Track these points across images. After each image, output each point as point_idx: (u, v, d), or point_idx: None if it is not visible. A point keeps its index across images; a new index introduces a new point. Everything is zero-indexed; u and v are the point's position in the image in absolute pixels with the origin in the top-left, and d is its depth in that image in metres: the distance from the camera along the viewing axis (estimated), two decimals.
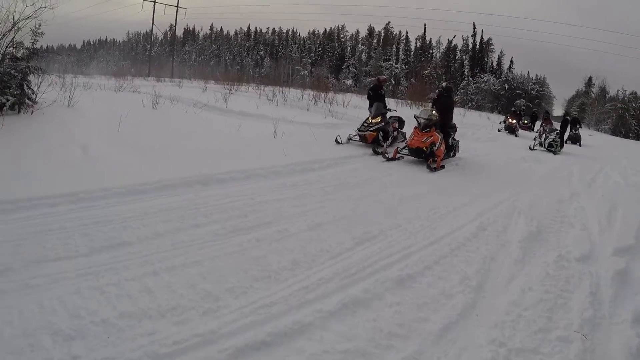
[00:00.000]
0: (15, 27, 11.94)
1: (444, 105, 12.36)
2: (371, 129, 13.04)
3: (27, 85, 11.77)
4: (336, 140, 12.93)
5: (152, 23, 63.41)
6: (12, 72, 11.39)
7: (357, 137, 13.25)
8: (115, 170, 7.66)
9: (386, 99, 14.80)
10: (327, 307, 4.27)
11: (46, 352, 3.25)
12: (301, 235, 6.00)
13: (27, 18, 11.99)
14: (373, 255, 5.59)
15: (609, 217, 8.09)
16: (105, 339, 3.46)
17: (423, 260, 5.60)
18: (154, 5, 60.98)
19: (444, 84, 14.02)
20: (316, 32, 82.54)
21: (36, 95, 12.02)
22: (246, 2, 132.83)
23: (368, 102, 14.13)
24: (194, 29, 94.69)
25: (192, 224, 5.90)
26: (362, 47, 79.09)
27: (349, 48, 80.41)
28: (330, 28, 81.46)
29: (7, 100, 11.12)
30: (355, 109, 21.86)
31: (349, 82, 65.20)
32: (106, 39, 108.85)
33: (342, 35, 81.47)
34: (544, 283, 5.26)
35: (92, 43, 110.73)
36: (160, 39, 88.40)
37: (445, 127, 12.25)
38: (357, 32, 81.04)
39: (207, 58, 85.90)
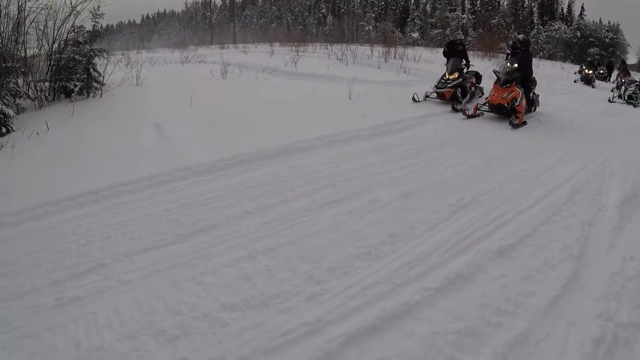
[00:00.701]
0: (74, 12, 12.10)
1: (523, 59, 11.69)
2: (449, 85, 12.47)
3: (93, 68, 11.96)
4: (413, 98, 12.44)
5: None
6: (77, 57, 11.63)
7: (435, 95, 12.72)
8: (192, 148, 7.65)
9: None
10: (432, 284, 4.11)
11: (152, 357, 3.20)
12: (394, 205, 5.81)
13: (85, 1, 12.10)
14: (470, 225, 5.37)
15: None
16: (210, 336, 3.40)
17: (521, 228, 5.36)
18: None
19: (520, 37, 13.18)
20: None
21: (103, 77, 12.23)
22: None
23: (444, 58, 13.55)
24: None
25: (280, 200, 5.79)
26: None
27: (413, 0, 78.23)
28: None
29: (75, 86, 11.35)
30: (427, 63, 21.04)
31: (415, 35, 63.58)
32: (164, 11, 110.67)
33: None
34: None
35: (151, 17, 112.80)
36: (219, 5, 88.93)
37: (526, 81, 11.65)
38: None
39: (269, 20, 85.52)
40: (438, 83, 12.74)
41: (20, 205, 5.71)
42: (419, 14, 73.15)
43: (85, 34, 12.42)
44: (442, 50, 14.77)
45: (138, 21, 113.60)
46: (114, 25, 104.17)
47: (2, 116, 9.56)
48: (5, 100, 10.14)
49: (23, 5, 11.92)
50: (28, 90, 11.52)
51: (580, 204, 6.25)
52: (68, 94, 11.56)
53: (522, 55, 11.79)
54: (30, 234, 5.17)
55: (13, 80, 11.29)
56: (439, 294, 4.03)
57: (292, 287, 3.99)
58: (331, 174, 6.74)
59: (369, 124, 9.29)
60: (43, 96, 11.46)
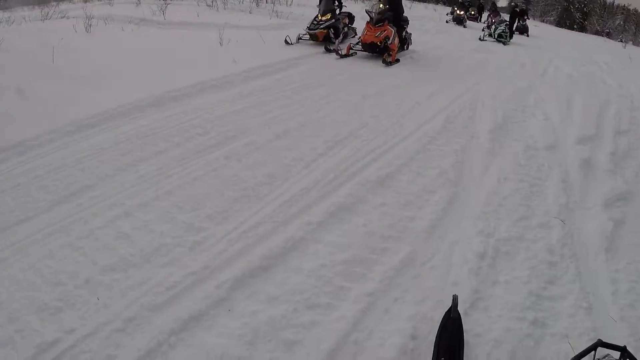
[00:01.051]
0: None
1: None
2: (321, 26, 12.40)
3: None
4: (285, 41, 12.26)
5: None
6: None
7: (307, 36, 12.63)
8: (58, 108, 7.02)
9: None
10: (314, 218, 4.15)
11: (38, 335, 2.92)
12: (270, 146, 5.75)
13: None
14: (348, 158, 5.47)
15: (568, 107, 8.26)
16: (94, 302, 3.18)
17: (398, 158, 5.58)
18: None
19: None
20: None
21: None
22: None
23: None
24: None
25: (153, 152, 5.49)
26: None
27: None
28: None
29: None
30: (299, 7, 20.87)
31: None
32: None
33: None
34: (518, 172, 5.47)
35: None
36: None
37: (398, 20, 11.83)
38: None
39: None
40: (310, 25, 12.60)
41: None
42: None
43: None
44: None
45: None
46: None
47: None
48: None
49: None
50: None
51: (454, 132, 6.59)
52: None
53: None
54: None
55: None
56: (323, 227, 4.07)
57: (172, 238, 3.84)
58: (205, 121, 6.49)
59: (241, 69, 9.02)
60: None
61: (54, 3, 31.06)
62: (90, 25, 13.69)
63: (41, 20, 17.49)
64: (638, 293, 3.57)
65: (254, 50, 11.04)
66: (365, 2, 25.97)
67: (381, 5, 11.55)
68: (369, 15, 11.64)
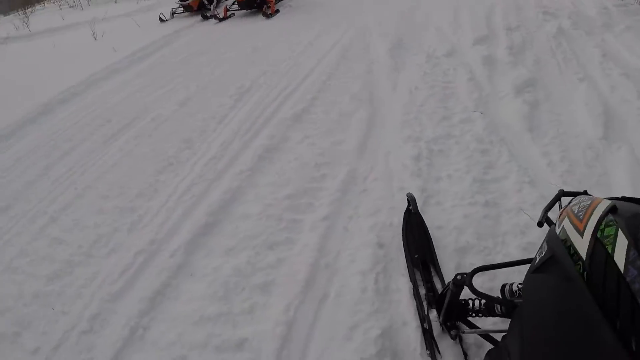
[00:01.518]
0: None
1: None
2: None
3: None
4: (160, 18, 11.68)
5: None
6: None
7: (182, 10, 12.01)
8: None
9: None
10: (245, 166, 4.05)
11: None
12: (177, 115, 5.54)
13: None
14: (258, 105, 5.38)
15: (456, 18, 8.20)
16: (51, 313, 2.93)
17: (307, 93, 5.55)
18: None
19: None
20: None
21: None
22: None
23: None
24: None
25: (60, 155, 5.11)
26: None
27: None
28: None
29: None
30: None
31: None
32: None
33: None
34: (426, 80, 5.48)
35: None
36: None
37: None
38: None
39: None
40: None
41: None
42: None
43: None
44: None
45: None
46: None
47: None
48: None
49: None
50: None
51: (353, 61, 6.58)
52: None
53: None
54: None
55: None
56: (256, 172, 3.97)
57: (108, 226, 3.60)
58: (103, 112, 6.14)
59: (123, 55, 8.56)
60: None
61: None
62: None
63: None
64: (571, 160, 3.68)
65: (131, 35, 10.43)
66: None
67: None
68: None
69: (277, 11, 11.00)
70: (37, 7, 25.02)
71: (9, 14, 27.38)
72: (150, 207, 3.75)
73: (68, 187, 4.42)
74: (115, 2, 17.60)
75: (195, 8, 11.83)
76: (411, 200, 2.93)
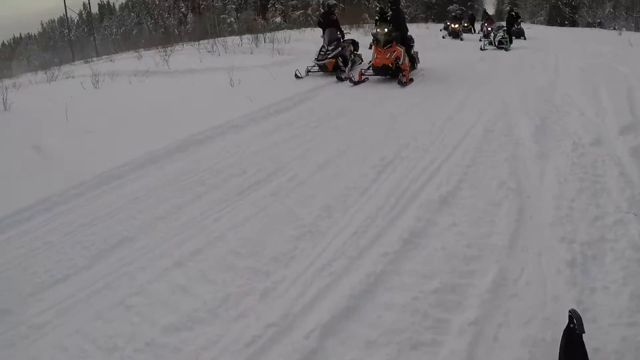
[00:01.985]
0: None
1: (397, 18, 11.58)
2: (329, 56, 12.05)
3: None
4: (296, 75, 11.91)
5: (65, 7, 59.05)
6: None
7: (317, 68, 12.31)
8: (79, 163, 6.71)
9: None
10: (389, 248, 3.70)
11: None
12: (316, 177, 5.33)
13: None
14: (402, 181, 5.07)
15: (596, 98, 7.86)
16: None
17: (452, 174, 5.20)
18: None
19: None
20: None
21: None
22: None
23: (321, 30, 13.02)
24: (108, 2, 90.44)
25: (192, 197, 5.06)
26: None
27: None
28: None
29: None
30: (298, 42, 20.61)
31: (278, 20, 62.97)
32: (20, 35, 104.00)
33: None
34: (574, 171, 5.07)
35: (7, 43, 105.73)
36: (76, 20, 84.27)
37: (404, 39, 11.52)
38: None
39: (129, 28, 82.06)
40: (318, 55, 12.26)
41: None
42: None
43: None
44: (309, 29, 14.37)
45: None
46: None
47: None
48: None
49: None
50: None
51: (497, 141, 6.20)
52: None
53: (395, 14, 11.66)
54: None
55: None
56: (401, 257, 3.62)
57: (238, 287, 3.36)
58: (237, 161, 6.10)
59: (260, 106, 8.66)
60: None
61: (55, 68, 31.39)
62: (98, 81, 13.50)
63: (47, 82, 17.41)
64: None
65: (267, 87, 10.73)
66: (360, 30, 25.85)
67: (386, 29, 11.26)
68: (375, 38, 11.34)
69: (411, 80, 11.02)
70: (177, 47, 26.52)
71: (149, 49, 29.22)
72: (286, 276, 3.49)
73: (198, 233, 4.31)
74: (252, 53, 18.22)
75: (330, 69, 12.08)
76: (577, 319, 2.47)
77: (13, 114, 10.75)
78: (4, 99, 11.61)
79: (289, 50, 17.77)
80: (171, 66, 16.07)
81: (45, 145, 7.83)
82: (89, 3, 64.87)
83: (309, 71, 12.27)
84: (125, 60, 21.97)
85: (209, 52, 19.79)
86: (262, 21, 52.98)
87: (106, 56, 38.42)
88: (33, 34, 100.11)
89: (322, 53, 12.20)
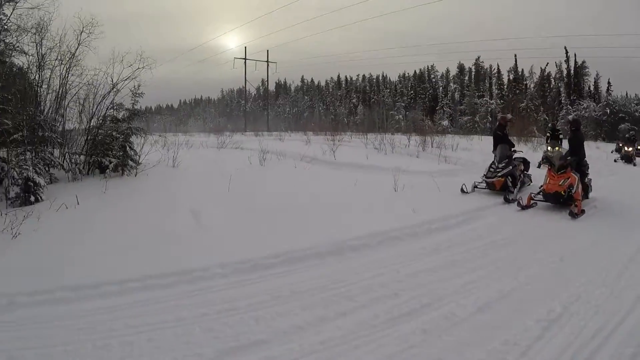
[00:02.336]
0: (115, 89, 12.18)
1: (575, 141, 10.85)
2: (499, 174, 11.50)
3: (130, 147, 11.87)
4: (462, 189, 11.51)
5: (245, 80, 64.40)
6: (114, 133, 11.57)
7: (484, 185, 11.80)
8: (232, 240, 6.85)
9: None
10: None
11: None
12: (473, 321, 4.75)
13: (126, 79, 12.22)
14: (569, 345, 4.32)
15: None
16: None
17: (627, 346, 4.29)
18: (245, 62, 62.08)
19: (570, 117, 12.43)
20: (406, 74, 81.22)
21: (139, 156, 12.07)
22: (335, 51, 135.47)
23: (494, 144, 12.54)
24: (285, 82, 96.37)
25: (337, 312, 4.77)
26: (454, 86, 76.20)
27: (441, 88, 77.61)
28: (420, 69, 79.73)
29: (110, 163, 11.28)
30: (465, 151, 20.43)
31: (445, 122, 63.09)
32: (201, 97, 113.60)
33: (432, 76, 79.27)
34: None
35: (188, 102, 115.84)
36: (253, 94, 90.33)
37: (580, 165, 10.68)
38: (448, 71, 78.40)
39: (301, 110, 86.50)
40: (487, 172, 11.75)
41: (36, 286, 5.13)
42: (447, 101, 72.59)
43: (124, 112, 12.31)
44: (476, 137, 13.77)
45: (176, 105, 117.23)
46: (152, 107, 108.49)
47: (32, 184, 9.34)
48: (37, 169, 9.97)
49: (65, 79, 12.17)
50: (63, 162, 11.45)
51: None
52: (103, 169, 11.38)
53: (574, 136, 11.00)
54: (41, 321, 4.51)
55: (49, 150, 11.29)
56: None
57: None
58: (391, 280, 5.73)
59: (422, 219, 8.34)
60: (77, 169, 11.31)
61: (228, 133, 33.42)
62: (265, 160, 13.92)
63: (217, 148, 18.33)
64: None
65: (431, 198, 10.43)
66: (528, 144, 24.77)
67: (557, 147, 10.54)
68: (549, 160, 10.54)
69: (583, 211, 9.93)
70: (345, 137, 27.15)
71: (317, 134, 30.21)
72: None
73: (336, 357, 3.96)
74: (417, 157, 18.06)
75: (498, 188, 11.55)
76: None
77: (180, 172, 11.31)
78: (175, 156, 12.30)
79: (456, 159, 17.42)
80: (337, 157, 16.32)
81: (202, 211, 8.12)
82: (267, 81, 69.41)
83: (476, 187, 11.81)
84: (294, 142, 22.83)
85: (375, 148, 20.01)
86: (429, 122, 53.42)
87: (276, 133, 40.49)
88: (213, 99, 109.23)
89: (491, 170, 11.68)
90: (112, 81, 12.18)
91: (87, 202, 8.70)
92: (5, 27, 12.33)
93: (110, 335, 4.26)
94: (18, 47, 12.66)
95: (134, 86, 12.30)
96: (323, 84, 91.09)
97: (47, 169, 11.06)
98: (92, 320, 4.56)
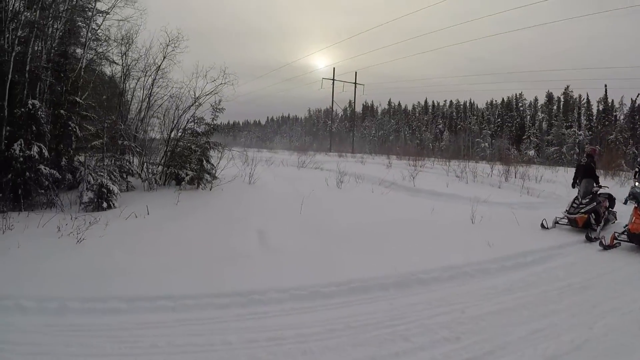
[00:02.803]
0: (197, 103, 12.53)
1: None
2: (582, 210, 10.65)
3: (207, 160, 12.10)
4: (542, 224, 10.77)
5: (332, 101, 64.72)
6: (193, 147, 11.87)
7: (565, 220, 10.94)
8: (295, 264, 6.69)
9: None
10: None
11: None
12: None
13: (208, 94, 12.57)
14: None
15: None
16: None
17: None
18: (333, 83, 62.37)
19: None
20: (494, 102, 78.82)
21: (216, 171, 12.26)
22: (423, 75, 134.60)
23: (574, 177, 11.74)
24: (372, 105, 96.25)
25: (390, 352, 4.44)
26: (542, 115, 72.94)
27: (529, 117, 74.73)
28: (508, 97, 77.15)
29: (187, 175, 11.55)
30: (549, 183, 19.21)
31: (531, 152, 60.85)
32: (288, 115, 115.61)
33: (520, 104, 76.73)
34: None
35: (275, 119, 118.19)
36: (340, 115, 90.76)
37: None
38: (536, 100, 75.17)
39: (386, 133, 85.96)
40: (570, 207, 10.93)
41: (91, 292, 5.31)
42: (534, 131, 69.83)
43: (204, 126, 12.62)
44: (561, 168, 12.86)
45: (263, 122, 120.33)
46: (240, 122, 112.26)
47: (105, 190, 9.72)
48: (112, 176, 10.51)
49: (150, 90, 12.93)
50: (141, 171, 12.01)
51: None
52: (179, 181, 11.67)
53: None
54: (88, 329, 4.62)
55: (127, 158, 11.94)
56: None
57: None
58: (454, 321, 5.30)
59: (496, 255, 7.83)
60: (154, 179, 11.70)
61: (311, 153, 33.60)
62: (342, 182, 13.72)
63: (297, 167, 18.30)
64: None
65: (508, 231, 9.84)
66: (615, 178, 23.29)
67: None
68: (636, 197, 9.74)
69: None
70: (427, 163, 26.57)
71: (401, 158, 29.79)
72: None
73: None
74: (499, 187, 17.34)
75: (581, 225, 10.66)
76: None
77: (255, 189, 11.31)
78: (251, 173, 12.34)
79: (539, 192, 16.55)
80: (416, 183, 15.89)
81: (270, 232, 8.01)
82: (354, 103, 69.35)
83: (557, 222, 11.00)
84: (375, 166, 22.51)
85: (457, 176, 19.40)
86: (514, 152, 51.70)
87: (360, 155, 40.29)
88: (300, 117, 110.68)
89: (574, 206, 10.88)
90: (195, 95, 12.64)
91: (158, 213, 8.89)
92: (97, 36, 12.99)
93: (152, 351, 4.21)
94: (109, 57, 13.36)
95: (215, 101, 12.67)
96: (410, 107, 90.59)
97: (124, 176, 11.62)
98: (139, 334, 4.56)
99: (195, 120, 12.56)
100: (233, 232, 8.04)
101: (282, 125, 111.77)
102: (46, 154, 10.15)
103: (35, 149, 9.89)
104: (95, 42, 13.30)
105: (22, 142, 9.88)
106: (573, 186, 11.66)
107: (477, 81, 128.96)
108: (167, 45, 12.84)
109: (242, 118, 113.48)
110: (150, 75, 13.01)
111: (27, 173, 9.70)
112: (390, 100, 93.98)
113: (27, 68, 10.61)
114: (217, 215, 9.06)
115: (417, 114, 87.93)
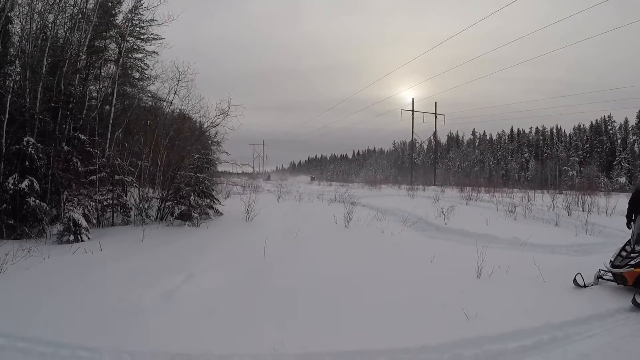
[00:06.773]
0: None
1: None
2: (631, 262, 7.06)
3: (199, 196, 12.21)
4: (575, 281, 7.35)
5: (412, 132, 62.68)
6: (184, 186, 12.16)
7: (610, 275, 7.35)
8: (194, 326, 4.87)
9: None
10: None
11: None
12: None
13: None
14: None
15: None
16: None
17: None
18: (413, 114, 59.87)
19: None
20: (582, 126, 71.99)
21: (213, 207, 12.63)
22: (506, 100, 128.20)
23: (628, 211, 8.16)
24: (456, 135, 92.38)
25: None
26: (634, 138, 65.02)
27: (619, 140, 67.19)
28: (597, 120, 70.02)
29: (179, 210, 11.81)
30: (620, 217, 15.06)
31: (622, 179, 54.75)
32: (374, 149, 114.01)
33: (610, 127, 69.57)
34: None
35: (361, 153, 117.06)
36: (425, 146, 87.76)
37: None
38: (626, 121, 67.52)
39: (471, 164, 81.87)
40: (615, 257, 7.35)
41: None
42: (626, 155, 63.37)
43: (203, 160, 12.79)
44: None
45: (350, 155, 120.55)
46: (327, 157, 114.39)
47: (72, 224, 9.67)
48: (87, 210, 10.72)
49: None
50: (138, 204, 12.22)
51: None
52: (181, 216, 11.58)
53: None
54: None
55: (119, 192, 11.92)
56: None
57: None
58: None
59: (476, 333, 5.11)
60: (145, 213, 11.99)
61: (382, 186, 31.65)
62: (350, 220, 11.69)
63: (328, 202, 16.59)
64: None
65: (523, 292, 6.86)
66: None
67: None
68: None
69: None
70: (486, 196, 23.58)
71: (479, 191, 26.90)
72: None
73: None
74: (556, 225, 14.20)
75: (631, 283, 7.01)
76: None
77: (244, 227, 10.88)
78: (248, 210, 11.40)
79: (602, 229, 13.05)
80: (449, 221, 13.36)
81: (198, 278, 6.89)
82: (435, 133, 65.67)
83: (600, 277, 7.50)
84: (422, 200, 19.95)
85: (510, 211, 16.42)
86: (604, 179, 46.36)
87: (433, 187, 37.61)
88: (385, 150, 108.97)
89: (622, 255, 7.31)
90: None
91: (115, 248, 8.46)
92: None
93: None
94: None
95: (214, 133, 13.17)
96: (495, 136, 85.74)
97: (113, 209, 11.66)
98: None
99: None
100: (157, 277, 6.77)
101: (368, 158, 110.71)
102: (37, 187, 10.16)
103: (25, 182, 9.93)
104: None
105: (17, 175, 10.11)
106: (628, 225, 8.09)
107: (563, 103, 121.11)
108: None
109: (329, 152, 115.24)
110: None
111: (7, 205, 9.82)
112: (474, 129, 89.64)
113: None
114: (162, 256, 8.08)
115: (502, 143, 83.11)
